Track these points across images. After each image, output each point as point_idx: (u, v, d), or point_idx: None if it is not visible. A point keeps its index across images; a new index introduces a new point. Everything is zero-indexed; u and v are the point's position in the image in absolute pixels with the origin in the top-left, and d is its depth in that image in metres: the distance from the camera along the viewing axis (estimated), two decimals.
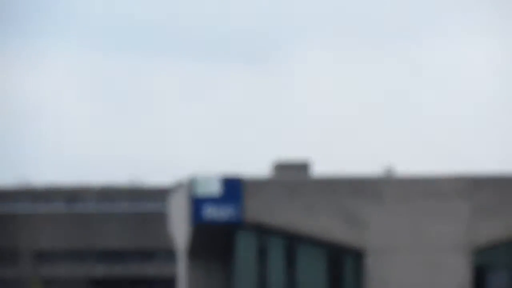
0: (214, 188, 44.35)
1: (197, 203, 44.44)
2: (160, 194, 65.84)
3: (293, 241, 45.83)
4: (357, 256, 45.68)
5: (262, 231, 45.71)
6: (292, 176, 52.04)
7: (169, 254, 54.27)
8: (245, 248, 45.34)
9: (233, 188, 45.03)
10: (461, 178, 47.84)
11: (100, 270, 73.06)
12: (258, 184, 47.20)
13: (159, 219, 57.54)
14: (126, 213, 76.66)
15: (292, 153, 76.09)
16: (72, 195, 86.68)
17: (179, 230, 48.87)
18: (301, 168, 53.52)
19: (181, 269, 50.36)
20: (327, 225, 45.03)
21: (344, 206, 45.32)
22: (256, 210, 44.98)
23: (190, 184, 45.47)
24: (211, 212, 44.47)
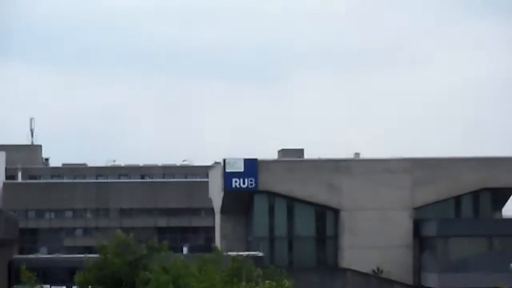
0: (238, 167, 44.22)
1: (227, 176, 44.57)
2: (203, 170, 65.60)
3: (292, 202, 45.92)
4: (335, 212, 45.57)
5: (271, 195, 45.80)
6: (291, 158, 52.34)
7: (209, 210, 55.73)
8: (259, 207, 45.60)
9: (251, 166, 44.98)
10: (405, 159, 47.51)
11: (163, 221, 73.39)
12: (268, 164, 47.28)
13: (203, 187, 57.38)
14: (181, 183, 76.11)
15: (291, 143, 75.26)
16: (144, 171, 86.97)
17: (216, 195, 49.22)
18: (297, 152, 53.19)
19: (217, 221, 50.78)
20: (314, 192, 45.10)
21: (326, 178, 45.18)
22: (267, 182, 44.94)
23: (223, 164, 45.63)
24: (237, 183, 44.56)
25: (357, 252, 43.61)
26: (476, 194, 45.84)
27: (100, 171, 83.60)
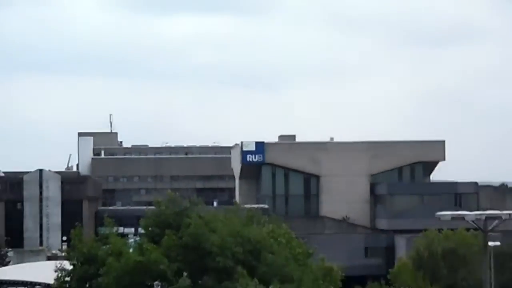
0: (251, 147, 42.45)
1: (244, 154, 42.76)
2: (227, 149, 61.63)
3: (288, 171, 43.43)
4: (317, 178, 43.08)
5: (273, 166, 43.38)
6: (286, 141, 50.16)
7: (231, 177, 52.82)
8: (265, 174, 43.41)
9: (260, 147, 42.96)
10: (365, 142, 45.64)
11: (200, 184, 68.91)
12: (271, 145, 45.08)
13: (227, 161, 53.67)
14: (212, 158, 73.03)
15: (286, 130, 72.56)
16: (187, 150, 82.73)
17: (236, 166, 46.86)
18: (291, 138, 51.26)
19: (237, 184, 48.12)
20: (303, 164, 43.00)
21: (311, 155, 43.04)
22: (271, 157, 42.99)
23: (241, 145, 43.59)
24: (250, 158, 42.80)
25: (332, 205, 41.87)
26: (412, 166, 43.80)
27: (157, 150, 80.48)
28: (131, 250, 15.93)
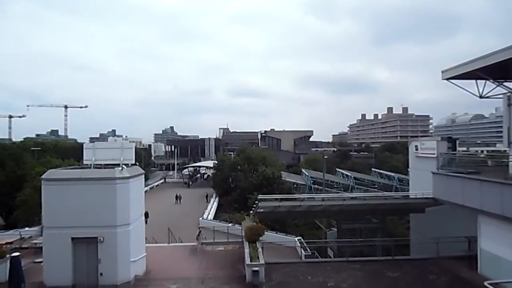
0: (263, 132, 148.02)
1: (261, 134, 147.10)
2: (257, 133, 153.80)
3: (277, 140, 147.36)
4: (278, 140, 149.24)
5: (269, 137, 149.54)
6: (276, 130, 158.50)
7: (258, 139, 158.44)
8: (264, 139, 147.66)
9: (265, 132, 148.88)
10: (290, 131, 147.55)
11: (246, 143, 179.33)
12: (267, 132, 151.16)
13: (257, 135, 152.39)
14: (253, 134, 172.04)
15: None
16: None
17: (259, 137, 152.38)
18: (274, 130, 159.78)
19: (259, 141, 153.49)
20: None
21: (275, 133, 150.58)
22: (268, 134, 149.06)
23: (260, 131, 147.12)
24: (263, 134, 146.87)
25: (284, 147, 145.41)
26: (304, 137, 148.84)
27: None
28: (232, 158, 65.51)
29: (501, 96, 15.99)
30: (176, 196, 52.59)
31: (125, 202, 14.37)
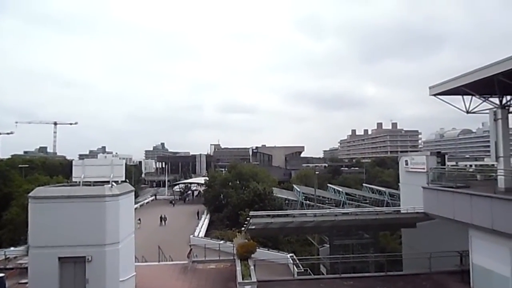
0: (254, 148, 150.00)
1: (252, 150, 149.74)
2: (248, 149, 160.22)
3: (267, 155, 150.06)
4: (270, 156, 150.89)
5: (260, 153, 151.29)
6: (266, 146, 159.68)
7: (249, 155, 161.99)
8: (256, 155, 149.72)
9: (256, 148, 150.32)
10: (281, 147, 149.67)
11: (239, 158, 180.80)
12: (260, 147, 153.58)
13: (248, 151, 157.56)
14: (245, 151, 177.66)
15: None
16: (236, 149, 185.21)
17: (250, 153, 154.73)
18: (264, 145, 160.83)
19: (250, 157, 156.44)
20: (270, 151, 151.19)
21: (269, 149, 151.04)
22: (259, 150, 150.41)
23: (251, 148, 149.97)
24: (253, 150, 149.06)
25: (276, 163, 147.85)
26: (296, 153, 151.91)
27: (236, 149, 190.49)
28: (223, 174, 67.00)
29: (487, 111, 16.26)
30: (161, 218, 48.39)
31: (115, 220, 14.13)
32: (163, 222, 48.21)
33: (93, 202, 13.83)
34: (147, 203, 74.09)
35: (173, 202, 72.74)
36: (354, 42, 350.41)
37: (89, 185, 14.92)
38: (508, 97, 16.02)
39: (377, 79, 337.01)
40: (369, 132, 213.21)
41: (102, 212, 13.86)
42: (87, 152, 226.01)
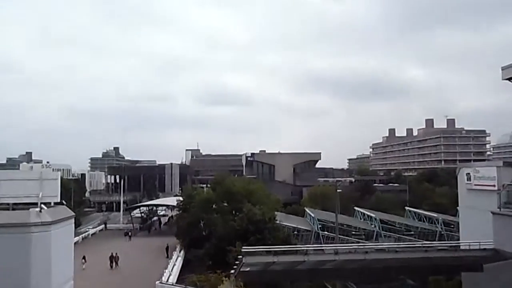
0: (249, 154, 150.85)
1: (246, 157, 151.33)
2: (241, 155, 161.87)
3: (263, 164, 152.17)
4: (273, 166, 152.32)
5: (257, 162, 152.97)
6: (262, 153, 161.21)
7: (241, 166, 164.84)
8: (254, 165, 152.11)
9: (252, 155, 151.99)
10: (288, 153, 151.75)
11: (232, 168, 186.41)
12: (257, 155, 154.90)
13: (240, 159, 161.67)
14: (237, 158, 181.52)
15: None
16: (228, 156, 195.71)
17: (243, 162, 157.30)
18: (263, 151, 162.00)
19: (244, 168, 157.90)
20: (268, 161, 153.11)
21: (271, 158, 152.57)
22: (259, 158, 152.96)
23: (244, 154, 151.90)
24: (248, 158, 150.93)
25: (278, 175, 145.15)
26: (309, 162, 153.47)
27: (215, 156, 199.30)
28: (204, 193, 64.17)
29: None
30: (111, 258, 48.42)
31: (45, 259, 13.93)
32: (114, 263, 48.11)
33: (12, 235, 13.64)
34: (93, 234, 73.92)
35: (130, 233, 72.62)
36: (390, 0, 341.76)
37: (8, 209, 14.72)
38: None
39: (424, 57, 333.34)
40: (415, 133, 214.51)
41: (26, 248, 13.64)
42: (5, 161, 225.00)
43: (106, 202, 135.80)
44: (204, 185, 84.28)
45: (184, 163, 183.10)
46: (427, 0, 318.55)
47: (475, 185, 22.94)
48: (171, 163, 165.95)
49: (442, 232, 64.15)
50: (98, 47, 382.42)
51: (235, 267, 21.02)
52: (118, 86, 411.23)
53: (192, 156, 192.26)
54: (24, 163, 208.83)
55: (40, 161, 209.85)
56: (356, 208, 76.64)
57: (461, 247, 22.26)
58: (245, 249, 21.51)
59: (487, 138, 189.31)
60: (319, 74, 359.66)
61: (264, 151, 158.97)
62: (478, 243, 20.30)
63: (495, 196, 18.18)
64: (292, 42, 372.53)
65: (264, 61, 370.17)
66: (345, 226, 64.20)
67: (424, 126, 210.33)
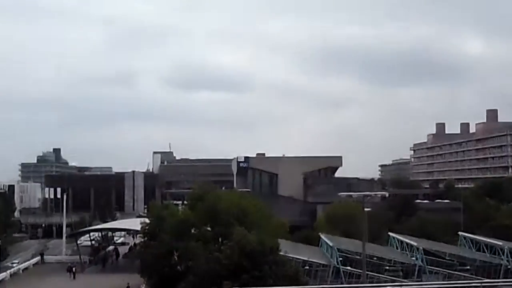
0: (242, 159, 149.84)
1: (238, 163, 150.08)
2: (230, 160, 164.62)
3: (261, 172, 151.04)
4: (276, 176, 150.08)
5: (255, 170, 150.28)
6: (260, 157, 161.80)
7: (231, 174, 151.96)
8: (250, 175, 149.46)
9: (247, 159, 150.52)
10: (296, 158, 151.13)
11: (216, 178, 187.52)
12: (253, 158, 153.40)
13: (230, 166, 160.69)
14: (224, 165, 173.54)
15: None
16: (210, 161, 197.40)
17: (234, 169, 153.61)
18: (262, 155, 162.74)
19: (235, 179, 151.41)
20: (269, 168, 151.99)
21: (273, 164, 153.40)
22: (253, 164, 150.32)
23: (235, 159, 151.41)
24: (241, 165, 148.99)
25: (284, 189, 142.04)
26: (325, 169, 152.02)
27: (194, 161, 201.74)
28: (180, 212, 61.04)
29: None
30: None
31: None
32: None
33: None
34: (25, 270, 73.54)
35: (75, 269, 72.19)
36: None
37: None
38: None
39: (487, 25, 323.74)
40: (472, 129, 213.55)
41: None
42: None
43: (43, 225, 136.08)
44: (179, 202, 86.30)
45: (151, 170, 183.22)
46: None
47: None
48: (133, 171, 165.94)
49: (509, 266, 63.83)
50: (31, 7, 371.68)
51: None
52: (58, 64, 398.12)
53: (162, 162, 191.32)
54: None
55: None
56: (391, 234, 76.00)
57: None
58: None
59: None
60: (338, 47, 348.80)
61: (263, 154, 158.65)
62: None
63: None
64: (302, 4, 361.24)
65: (266, 30, 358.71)
66: (375, 258, 63.62)
67: (484, 120, 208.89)
